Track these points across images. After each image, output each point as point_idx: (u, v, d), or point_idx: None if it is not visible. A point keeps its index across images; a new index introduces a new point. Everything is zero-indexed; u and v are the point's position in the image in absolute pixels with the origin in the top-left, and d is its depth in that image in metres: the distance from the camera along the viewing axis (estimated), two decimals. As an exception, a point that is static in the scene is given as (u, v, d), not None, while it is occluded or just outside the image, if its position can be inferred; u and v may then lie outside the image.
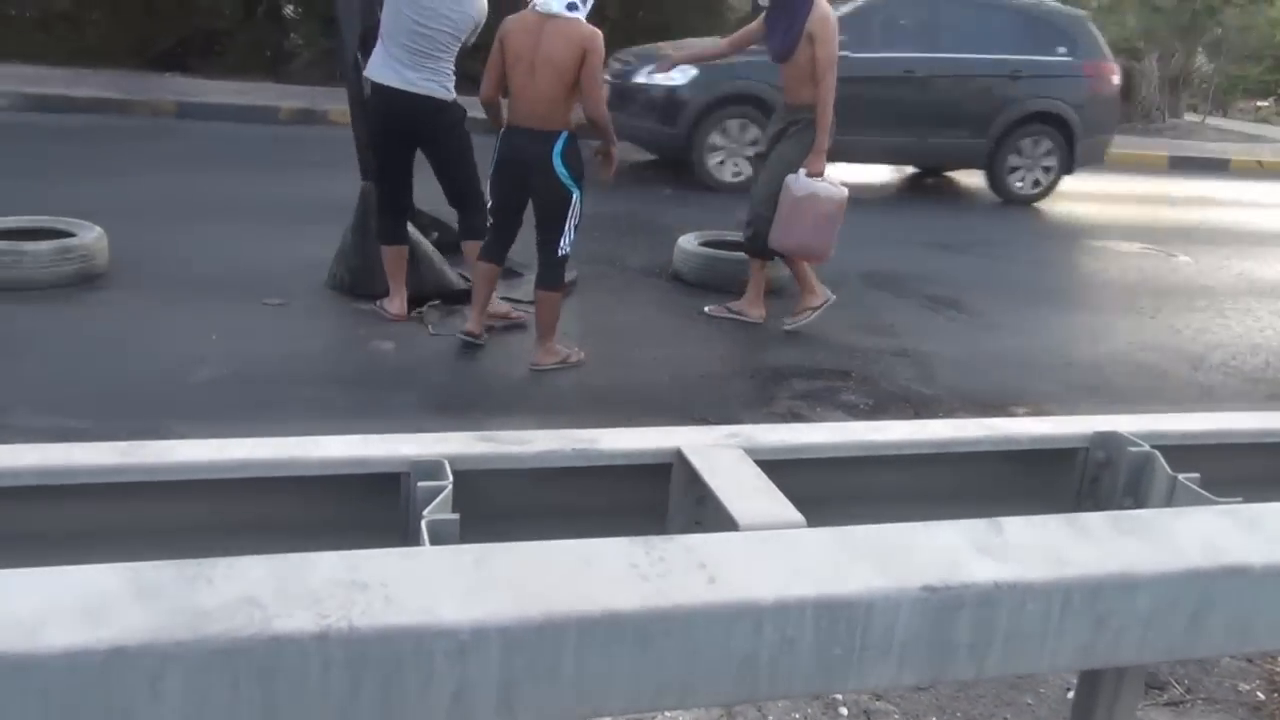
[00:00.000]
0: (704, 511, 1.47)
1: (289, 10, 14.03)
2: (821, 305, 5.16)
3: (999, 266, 6.87)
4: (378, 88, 4.64)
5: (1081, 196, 9.86)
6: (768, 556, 1.24)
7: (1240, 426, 1.83)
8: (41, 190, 6.23)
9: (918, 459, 1.69)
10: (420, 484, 1.38)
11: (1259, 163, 13.45)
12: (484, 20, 4.64)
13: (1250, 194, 11.04)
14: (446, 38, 4.55)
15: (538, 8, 4.22)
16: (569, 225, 4.35)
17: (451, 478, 1.39)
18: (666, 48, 8.51)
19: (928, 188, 9.96)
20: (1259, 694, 2.22)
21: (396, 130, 4.71)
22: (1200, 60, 21.74)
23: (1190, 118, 20.05)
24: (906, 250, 7.02)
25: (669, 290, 5.86)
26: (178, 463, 1.42)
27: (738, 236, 5.55)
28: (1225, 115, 23.10)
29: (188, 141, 8.95)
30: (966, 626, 1.25)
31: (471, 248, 4.80)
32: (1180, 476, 1.57)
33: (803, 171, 4.86)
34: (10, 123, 9.07)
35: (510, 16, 4.36)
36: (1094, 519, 1.41)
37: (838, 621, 1.20)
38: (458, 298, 5.13)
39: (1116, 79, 9.56)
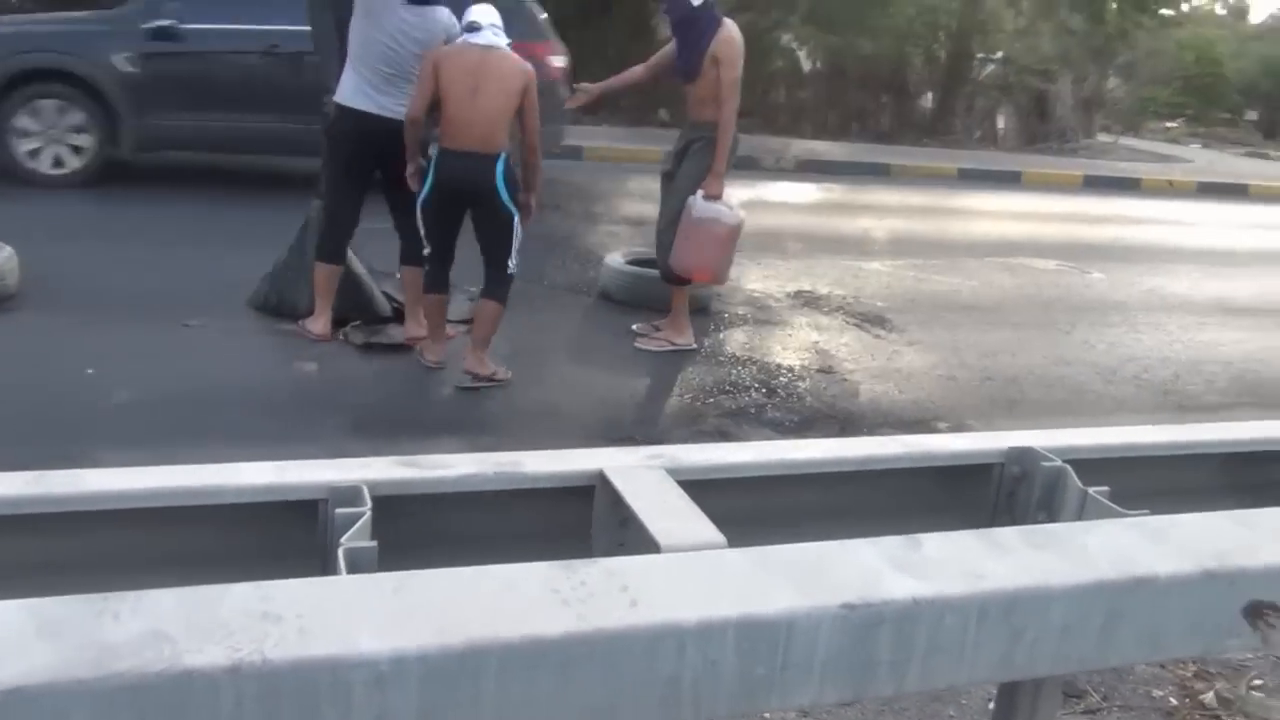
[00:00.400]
0: (627, 533, 1.47)
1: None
2: (681, 347, 5.19)
3: (922, 284, 7.00)
4: (349, 112, 4.62)
5: (999, 214, 10.11)
6: (689, 578, 1.25)
7: (1148, 440, 1.88)
8: (-52, 210, 6.03)
9: (838, 477, 1.72)
10: (338, 510, 1.36)
11: (1169, 182, 13.94)
12: (457, 31, 4.61)
13: (1161, 212, 11.41)
14: (415, 60, 4.54)
15: (474, 41, 4.28)
16: (514, 246, 4.37)
17: (370, 504, 1.37)
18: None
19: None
20: (1171, 699, 2.29)
21: (366, 153, 4.70)
22: (1113, 83, 22.45)
23: (1104, 138, 20.67)
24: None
25: (597, 308, 5.87)
26: (87, 493, 1.38)
27: None
28: (1138, 136, 23.84)
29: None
30: (887, 643, 1.26)
31: (410, 272, 4.79)
32: (1091, 490, 1.61)
33: (700, 193, 4.89)
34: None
35: (442, 48, 4.41)
36: (1008, 534, 1.44)
37: (759, 642, 1.20)
38: (379, 318, 5.08)
39: (559, 62, 7.91)
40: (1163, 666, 2.39)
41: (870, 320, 6.01)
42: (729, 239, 4.93)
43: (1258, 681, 2.39)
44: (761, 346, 5.35)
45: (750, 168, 10.32)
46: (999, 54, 20.10)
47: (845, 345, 5.51)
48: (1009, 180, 12.93)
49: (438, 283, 4.59)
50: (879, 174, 12.44)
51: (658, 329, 5.30)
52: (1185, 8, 27.31)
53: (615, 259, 6.07)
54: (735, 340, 5.46)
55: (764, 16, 14.99)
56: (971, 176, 12.79)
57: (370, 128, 4.60)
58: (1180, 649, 1.50)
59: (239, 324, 4.97)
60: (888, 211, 9.84)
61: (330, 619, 1.08)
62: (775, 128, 15.08)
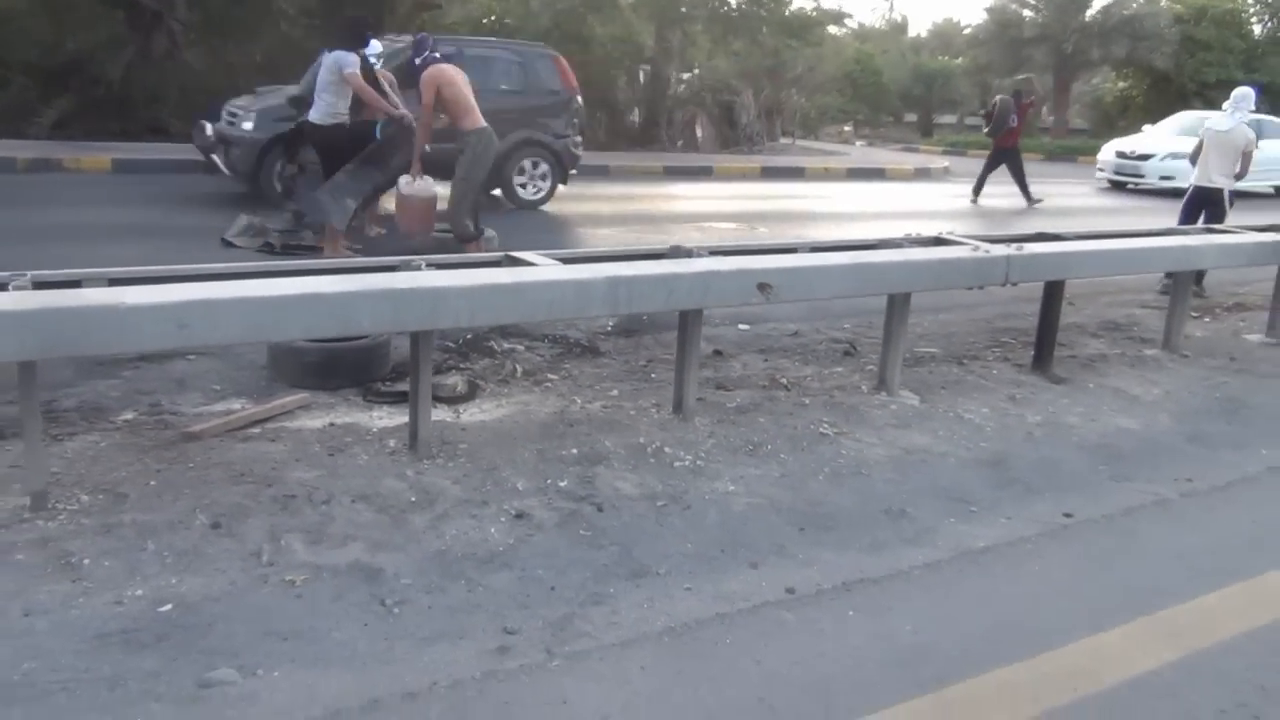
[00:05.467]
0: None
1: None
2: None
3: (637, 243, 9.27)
4: None
5: (697, 197, 12.80)
6: (547, 269, 3.43)
7: (734, 243, 4.23)
8: None
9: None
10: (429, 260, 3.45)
11: (825, 169, 17.41)
12: None
13: (816, 191, 14.52)
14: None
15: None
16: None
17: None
18: None
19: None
20: (764, 384, 4.59)
21: None
22: (793, 93, 26.20)
23: (785, 140, 24.26)
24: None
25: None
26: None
27: None
28: (816, 138, 27.78)
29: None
30: (623, 292, 3.48)
31: None
32: (698, 251, 3.92)
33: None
34: None
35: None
36: (669, 261, 3.72)
37: (580, 289, 3.39)
38: None
39: None
40: (770, 382, 4.68)
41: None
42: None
43: (807, 375, 4.75)
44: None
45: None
46: (691, 73, 23.31)
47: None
48: (704, 173, 15.86)
49: None
50: (601, 174, 14.93)
51: None
52: (853, 24, 31.94)
53: None
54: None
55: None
56: (675, 172, 15.58)
57: None
58: (731, 299, 3.83)
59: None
60: (612, 199, 12.17)
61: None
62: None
